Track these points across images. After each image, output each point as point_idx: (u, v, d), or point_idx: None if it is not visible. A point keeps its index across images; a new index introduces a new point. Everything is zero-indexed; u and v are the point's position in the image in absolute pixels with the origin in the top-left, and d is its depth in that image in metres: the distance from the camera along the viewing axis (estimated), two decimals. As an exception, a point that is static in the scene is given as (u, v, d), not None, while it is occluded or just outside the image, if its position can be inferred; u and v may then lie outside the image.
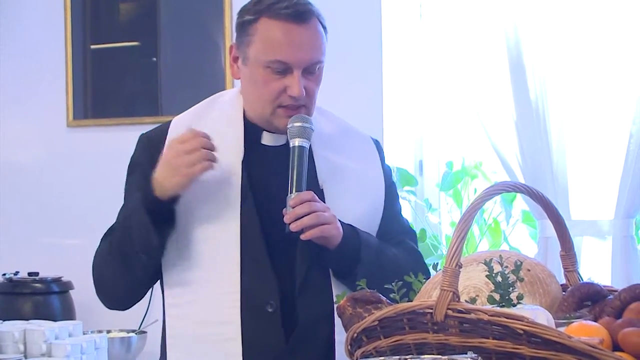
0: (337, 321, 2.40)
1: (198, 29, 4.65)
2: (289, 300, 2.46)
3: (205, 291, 2.45)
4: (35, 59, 4.90)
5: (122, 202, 2.64)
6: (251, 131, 2.54)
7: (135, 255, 2.44)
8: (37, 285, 4.41)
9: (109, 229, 2.58)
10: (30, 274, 4.46)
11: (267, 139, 2.55)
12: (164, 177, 2.40)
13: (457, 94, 4.41)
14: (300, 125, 2.45)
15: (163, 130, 2.59)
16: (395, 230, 2.68)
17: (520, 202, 4.41)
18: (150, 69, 4.75)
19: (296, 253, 2.48)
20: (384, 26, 4.39)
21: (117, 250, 2.47)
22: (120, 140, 4.75)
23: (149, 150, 2.56)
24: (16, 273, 4.47)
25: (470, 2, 4.23)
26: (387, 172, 2.72)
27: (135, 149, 2.64)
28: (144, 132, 2.66)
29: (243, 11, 2.51)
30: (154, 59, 4.74)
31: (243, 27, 2.49)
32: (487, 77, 4.21)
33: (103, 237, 2.57)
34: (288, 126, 2.45)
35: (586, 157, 4.26)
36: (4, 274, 4.45)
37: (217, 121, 2.56)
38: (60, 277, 4.48)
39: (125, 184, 2.64)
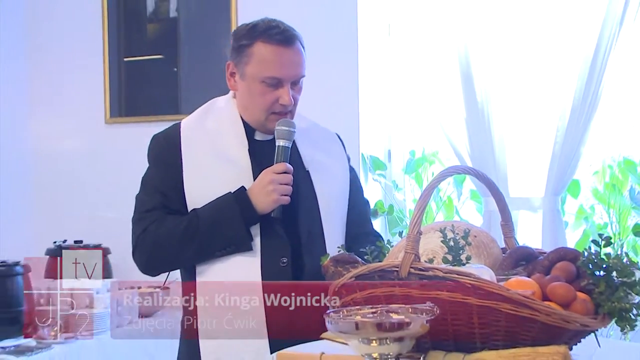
0: None
1: (211, 44, 4.64)
2: (296, 254, 2.47)
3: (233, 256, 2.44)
4: (79, 70, 4.88)
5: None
6: (247, 129, 2.55)
7: (216, 248, 2.43)
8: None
9: (174, 218, 2.47)
10: (75, 242, 4.46)
11: (259, 136, 2.56)
12: (258, 198, 2.41)
13: (418, 96, 4.40)
14: (287, 129, 2.47)
15: (175, 131, 2.56)
16: (361, 203, 2.74)
17: (469, 183, 4.41)
18: (172, 77, 4.73)
19: (298, 217, 2.50)
20: (359, 41, 4.38)
21: (196, 236, 2.42)
22: (148, 134, 4.73)
23: (167, 148, 2.54)
24: (64, 241, 4.46)
25: (430, 23, 4.22)
26: (348, 158, 2.76)
27: (152, 147, 2.61)
28: (157, 132, 2.62)
29: (239, 36, 2.50)
30: (175, 69, 4.72)
31: (240, 49, 2.49)
32: (442, 83, 4.20)
33: (160, 219, 2.47)
34: (276, 128, 2.47)
35: (522, 146, 4.26)
36: (55, 242, 4.44)
37: (220, 122, 2.56)
38: (100, 244, 4.47)
39: (145, 175, 2.60)
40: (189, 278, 2.52)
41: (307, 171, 2.56)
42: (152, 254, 2.49)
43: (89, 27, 4.84)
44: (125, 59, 4.84)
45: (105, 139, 4.83)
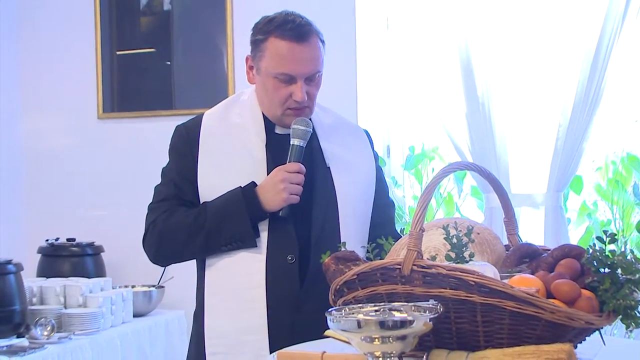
0: None
1: (205, 38, 4.64)
2: (304, 252, 2.47)
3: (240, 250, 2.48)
4: (71, 64, 4.88)
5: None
6: (267, 123, 2.57)
7: (222, 243, 2.46)
8: (74, 249, 4.40)
9: (186, 209, 2.52)
10: (68, 239, 4.46)
11: (279, 129, 2.57)
12: (267, 195, 2.44)
13: (418, 91, 4.42)
14: (302, 129, 2.49)
15: (197, 122, 2.59)
16: (385, 204, 2.72)
17: (470, 179, 4.43)
18: (165, 71, 4.73)
19: (312, 215, 2.51)
20: (357, 35, 4.39)
21: (202, 230, 2.46)
22: (141, 129, 4.76)
23: (186, 139, 2.57)
24: (57, 239, 4.47)
25: (429, 16, 4.24)
26: (375, 156, 2.75)
27: (173, 137, 2.61)
28: (180, 123, 2.63)
29: (256, 30, 2.52)
30: (168, 62, 4.73)
31: (256, 44, 2.51)
32: (442, 77, 4.22)
33: (171, 210, 2.52)
34: (292, 126, 2.49)
35: (523, 142, 4.28)
36: (47, 240, 4.45)
37: (242, 114, 2.58)
38: (93, 242, 4.48)
39: (165, 165, 2.62)
40: (201, 268, 2.56)
41: (328, 168, 2.57)
42: (160, 244, 2.53)
43: (81, 20, 4.85)
44: (118, 53, 4.84)
45: (98, 135, 4.83)
